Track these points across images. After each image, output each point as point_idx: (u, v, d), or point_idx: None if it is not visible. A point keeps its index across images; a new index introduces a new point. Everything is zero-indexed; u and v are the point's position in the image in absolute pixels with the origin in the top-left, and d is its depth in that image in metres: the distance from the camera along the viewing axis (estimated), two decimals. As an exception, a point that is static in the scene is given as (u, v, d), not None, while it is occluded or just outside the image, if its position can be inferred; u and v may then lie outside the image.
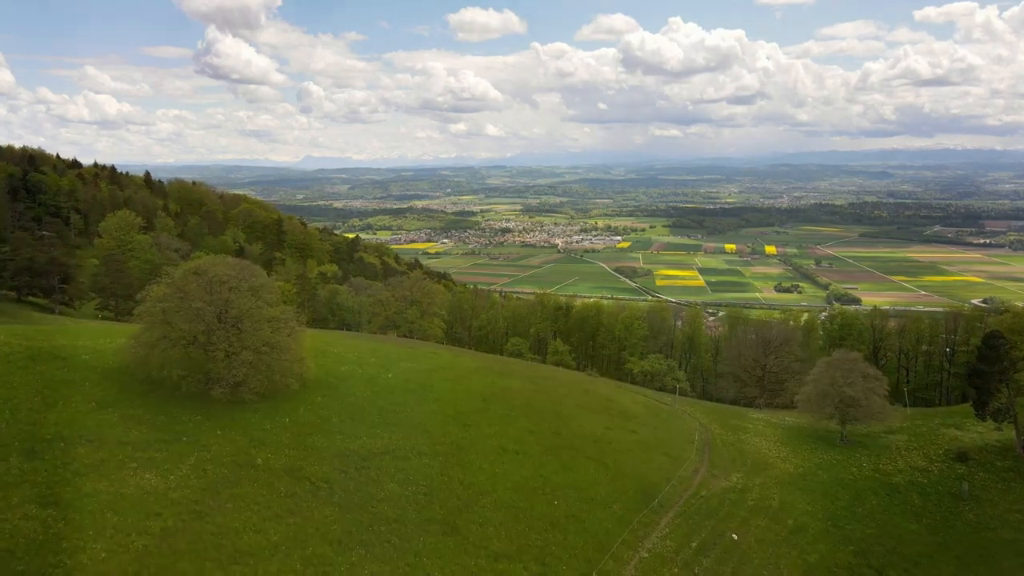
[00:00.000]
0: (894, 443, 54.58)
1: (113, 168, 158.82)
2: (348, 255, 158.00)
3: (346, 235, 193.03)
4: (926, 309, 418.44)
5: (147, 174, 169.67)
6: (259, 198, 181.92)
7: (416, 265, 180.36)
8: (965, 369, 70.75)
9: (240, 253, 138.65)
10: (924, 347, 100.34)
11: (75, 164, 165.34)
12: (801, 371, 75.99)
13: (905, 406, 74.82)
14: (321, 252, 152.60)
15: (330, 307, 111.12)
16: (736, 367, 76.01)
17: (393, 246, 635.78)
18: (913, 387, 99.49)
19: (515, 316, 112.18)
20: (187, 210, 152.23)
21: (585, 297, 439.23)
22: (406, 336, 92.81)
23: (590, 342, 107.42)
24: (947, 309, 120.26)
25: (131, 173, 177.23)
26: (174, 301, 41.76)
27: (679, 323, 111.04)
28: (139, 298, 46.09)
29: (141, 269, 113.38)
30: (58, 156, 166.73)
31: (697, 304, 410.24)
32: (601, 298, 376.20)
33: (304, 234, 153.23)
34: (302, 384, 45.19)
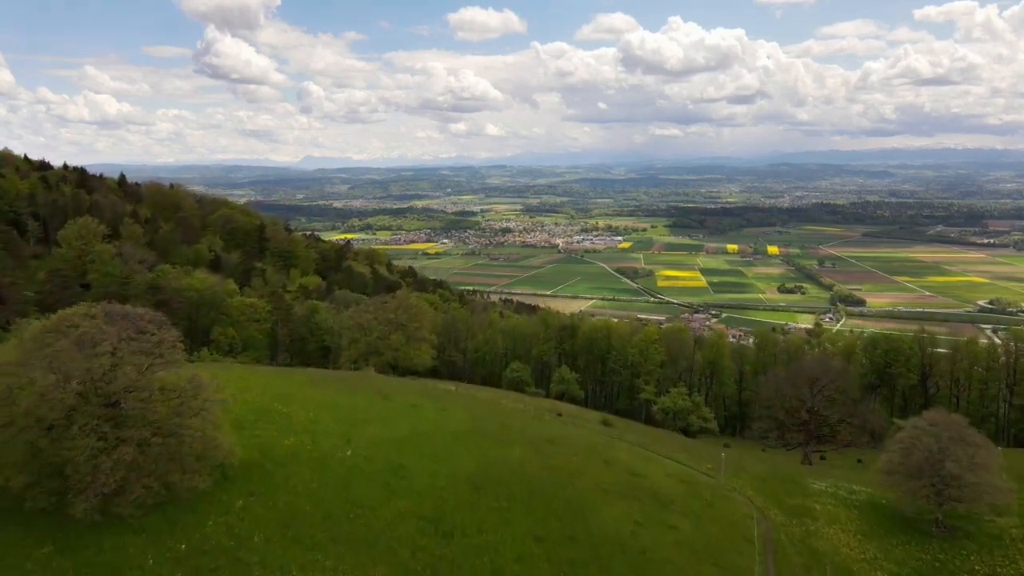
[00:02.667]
0: (1007, 531, 41.53)
1: (82, 170, 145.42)
2: (336, 263, 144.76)
3: (335, 241, 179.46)
4: (936, 309, 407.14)
5: (121, 176, 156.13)
6: (239, 201, 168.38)
7: (410, 273, 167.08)
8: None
9: (216, 263, 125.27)
10: (979, 371, 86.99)
11: (43, 166, 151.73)
12: (854, 412, 63.13)
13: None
14: (306, 261, 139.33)
15: (308, 326, 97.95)
16: (776, 408, 63.07)
17: (393, 246, 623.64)
18: (966, 420, 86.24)
19: (515, 336, 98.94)
20: (161, 215, 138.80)
21: (585, 298, 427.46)
22: (390, 366, 79.59)
23: (599, 366, 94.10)
24: (1008, 328, 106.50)
25: (127, 174, 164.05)
26: (20, 371, 28.59)
27: (700, 327, 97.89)
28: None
29: (101, 283, 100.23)
30: (25, 157, 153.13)
31: (711, 316, 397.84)
32: (610, 314, 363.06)
33: (288, 241, 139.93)
34: (220, 478, 32.22)
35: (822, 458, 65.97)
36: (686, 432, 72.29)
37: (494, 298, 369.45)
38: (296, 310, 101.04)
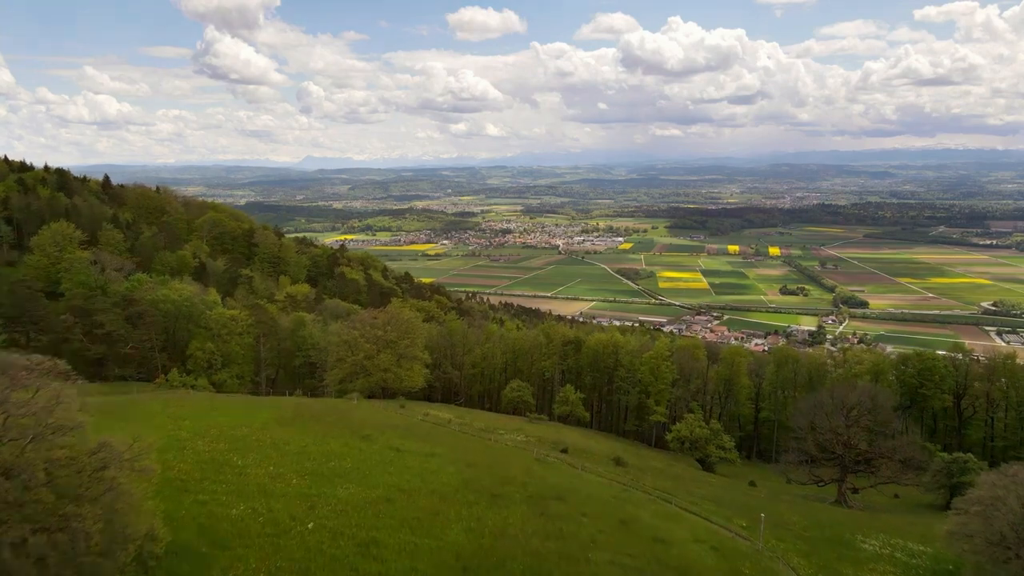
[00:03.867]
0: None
1: (62, 171, 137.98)
2: (328, 270, 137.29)
3: (329, 245, 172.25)
4: (939, 311, 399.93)
5: (105, 178, 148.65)
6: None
7: (406, 279, 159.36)
8: None
9: (201, 270, 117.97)
10: (1017, 393, 79.41)
11: (23, 167, 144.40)
12: (896, 446, 55.81)
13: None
14: (297, 267, 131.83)
15: (294, 340, 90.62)
16: (808, 442, 55.70)
17: (392, 247, 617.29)
18: (1002, 444, 78.87)
19: (516, 350, 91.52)
20: (145, 220, 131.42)
21: (586, 300, 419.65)
22: (382, 388, 72.23)
23: (605, 384, 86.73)
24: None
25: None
26: None
27: (711, 335, 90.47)
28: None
29: (74, 293, 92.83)
30: (5, 158, 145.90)
31: (713, 318, 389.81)
32: (611, 316, 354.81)
33: (278, 247, 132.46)
34: (140, 570, 25.02)
35: (855, 491, 58.80)
36: (703, 463, 65.14)
37: (494, 300, 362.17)
38: (282, 322, 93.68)
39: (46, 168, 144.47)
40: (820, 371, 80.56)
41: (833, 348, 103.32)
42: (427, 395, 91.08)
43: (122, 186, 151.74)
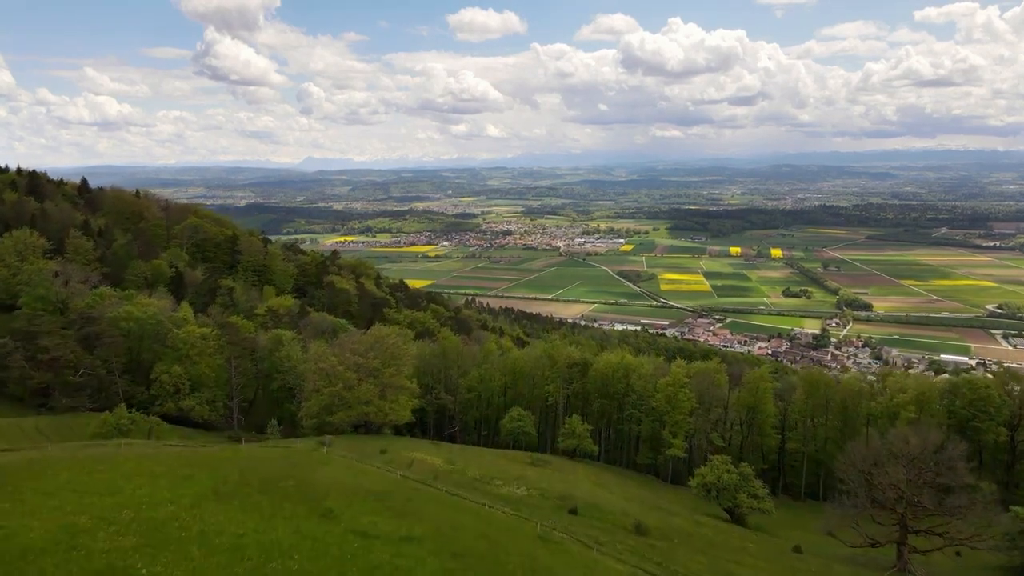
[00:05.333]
0: None
1: (35, 173, 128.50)
2: (317, 278, 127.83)
3: (319, 252, 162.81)
4: (945, 314, 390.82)
5: (83, 181, 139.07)
6: (210, 210, 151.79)
7: (401, 287, 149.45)
8: None
9: (178, 280, 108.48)
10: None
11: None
12: (970, 503, 46.46)
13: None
14: (283, 276, 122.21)
15: (272, 361, 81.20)
16: (861, 499, 46.37)
17: (392, 249, 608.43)
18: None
19: (516, 372, 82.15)
20: (122, 225, 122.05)
21: (587, 302, 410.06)
22: (365, 421, 62.85)
23: (615, 412, 77.27)
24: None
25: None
26: None
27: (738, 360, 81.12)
28: None
29: (33, 308, 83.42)
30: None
31: (716, 321, 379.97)
32: (612, 319, 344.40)
33: (263, 254, 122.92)
34: None
35: (916, 552, 49.52)
36: (732, 513, 55.95)
37: (494, 303, 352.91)
38: (261, 340, 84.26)
39: (18, 170, 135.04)
40: (855, 398, 71.22)
41: (872, 375, 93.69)
42: (418, 420, 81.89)
43: (102, 189, 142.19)
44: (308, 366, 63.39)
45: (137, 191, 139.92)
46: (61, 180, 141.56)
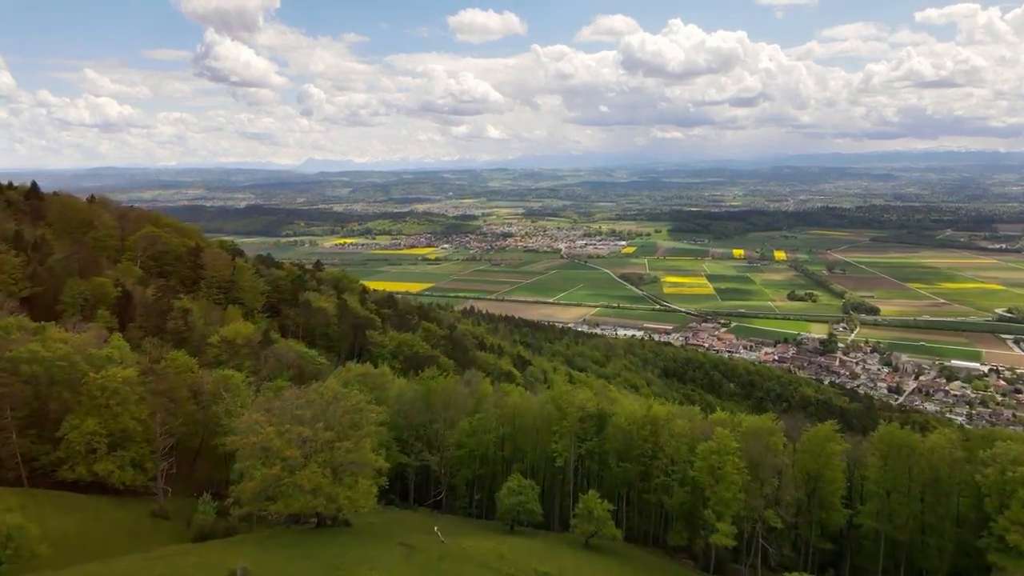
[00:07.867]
0: None
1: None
2: (292, 295, 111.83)
3: (295, 265, 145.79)
4: (953, 318, 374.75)
5: (32, 184, 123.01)
6: (173, 218, 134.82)
7: (388, 303, 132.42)
8: None
9: (125, 302, 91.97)
10: None
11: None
12: None
13: None
14: (253, 294, 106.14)
15: (212, 414, 64.48)
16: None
17: (392, 251, 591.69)
18: None
19: (517, 426, 66.12)
20: (70, 236, 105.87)
21: (589, 306, 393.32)
22: (318, 515, 46.51)
23: (639, 479, 60.88)
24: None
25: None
26: None
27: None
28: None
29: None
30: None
31: (720, 325, 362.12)
32: (615, 323, 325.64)
33: (230, 269, 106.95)
34: None
35: None
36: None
37: (494, 308, 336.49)
38: (206, 382, 67.73)
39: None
40: (950, 467, 55.02)
41: (965, 422, 77.15)
42: (398, 481, 65.86)
43: (56, 194, 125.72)
44: (238, 439, 46.76)
45: (92, 196, 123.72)
46: (10, 183, 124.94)
